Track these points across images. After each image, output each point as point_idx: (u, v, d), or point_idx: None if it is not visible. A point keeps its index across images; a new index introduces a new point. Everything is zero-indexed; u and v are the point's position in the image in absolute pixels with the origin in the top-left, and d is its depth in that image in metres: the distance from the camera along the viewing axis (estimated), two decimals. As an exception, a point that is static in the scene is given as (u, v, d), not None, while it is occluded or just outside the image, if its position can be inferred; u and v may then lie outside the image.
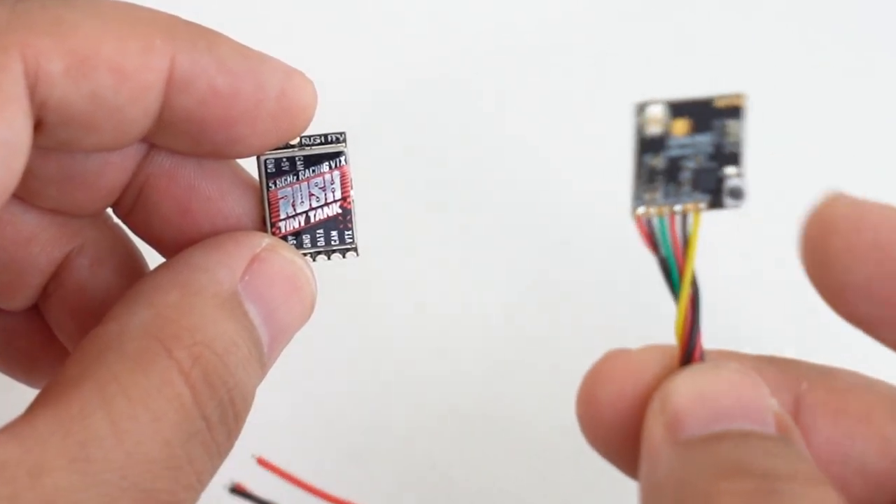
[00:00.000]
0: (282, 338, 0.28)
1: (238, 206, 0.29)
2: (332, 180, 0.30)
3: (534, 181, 0.50)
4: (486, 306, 0.47)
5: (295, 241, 0.30)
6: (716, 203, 0.27)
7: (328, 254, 0.31)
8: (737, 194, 0.27)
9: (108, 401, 0.24)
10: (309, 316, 0.29)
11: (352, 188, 0.30)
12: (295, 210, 0.30)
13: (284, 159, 0.30)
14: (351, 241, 0.31)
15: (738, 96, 0.26)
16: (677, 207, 0.27)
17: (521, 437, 0.44)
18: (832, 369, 0.29)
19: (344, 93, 0.50)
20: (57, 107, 0.25)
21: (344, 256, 0.31)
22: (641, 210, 0.27)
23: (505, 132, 0.51)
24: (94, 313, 0.30)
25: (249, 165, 0.30)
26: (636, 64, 0.53)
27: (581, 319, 0.46)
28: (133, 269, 0.31)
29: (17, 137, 0.24)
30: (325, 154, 0.30)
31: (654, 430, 0.26)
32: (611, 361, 0.28)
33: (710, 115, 0.26)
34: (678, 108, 0.26)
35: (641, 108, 0.26)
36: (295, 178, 0.30)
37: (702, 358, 0.27)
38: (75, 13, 0.25)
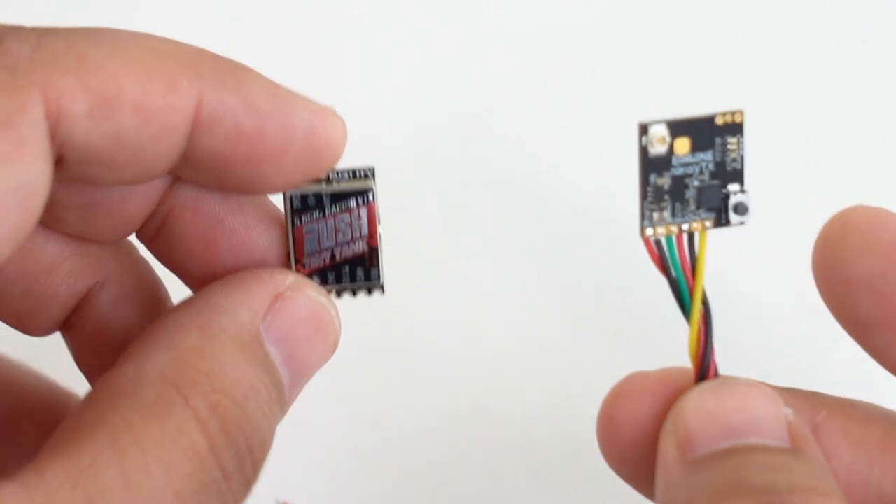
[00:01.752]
0: (303, 377, 0.28)
1: (263, 240, 0.29)
2: (360, 216, 0.30)
3: (549, 197, 0.50)
4: (502, 316, 0.48)
5: (320, 279, 0.29)
6: (721, 221, 0.27)
7: (354, 291, 0.30)
8: (740, 210, 0.27)
9: (121, 452, 0.23)
10: (331, 355, 0.28)
11: (379, 224, 0.30)
12: (320, 246, 0.30)
13: (311, 195, 0.29)
14: (378, 278, 0.30)
15: (736, 112, 0.27)
16: (684, 227, 0.27)
17: (531, 441, 0.44)
18: (850, 400, 0.29)
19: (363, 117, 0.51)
20: (78, 146, 0.24)
21: (370, 294, 0.30)
22: (650, 231, 0.27)
23: (524, 152, 0.52)
24: (114, 348, 0.29)
25: (277, 198, 0.30)
26: (650, 84, 0.54)
27: (596, 328, 0.46)
28: (156, 307, 0.31)
29: (34, 182, 0.23)
30: (352, 191, 0.29)
31: (667, 451, 0.27)
32: (630, 382, 0.28)
33: (712, 133, 0.27)
34: (680, 127, 0.27)
35: (644, 129, 0.26)
36: (321, 214, 0.29)
37: (716, 376, 0.28)
38: (100, 50, 0.24)
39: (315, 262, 0.30)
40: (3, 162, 0.22)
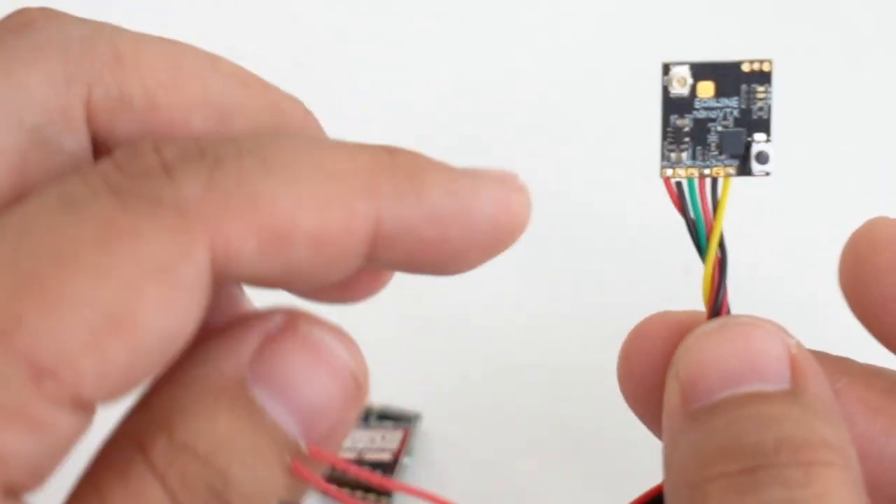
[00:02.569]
0: (320, 418, 0.25)
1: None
2: (394, 435, 0.32)
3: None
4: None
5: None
6: (744, 169, 0.28)
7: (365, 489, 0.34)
8: (762, 159, 0.28)
9: None
10: (353, 392, 0.25)
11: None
12: (352, 443, 0.32)
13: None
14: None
15: (765, 62, 0.27)
16: (706, 171, 0.28)
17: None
18: (876, 369, 0.28)
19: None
20: (245, 277, 0.23)
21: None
22: (669, 171, 0.28)
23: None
24: None
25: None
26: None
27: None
28: None
29: (181, 329, 0.22)
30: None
31: (670, 399, 0.26)
32: (650, 322, 0.28)
33: (737, 80, 0.27)
34: (703, 70, 0.27)
35: (667, 68, 0.27)
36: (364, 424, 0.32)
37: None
38: (272, 182, 0.22)
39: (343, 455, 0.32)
40: (155, 309, 0.21)
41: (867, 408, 0.27)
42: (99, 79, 0.25)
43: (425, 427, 0.51)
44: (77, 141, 0.25)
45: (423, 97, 0.57)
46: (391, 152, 0.24)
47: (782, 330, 0.27)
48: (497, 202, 0.25)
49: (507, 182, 0.25)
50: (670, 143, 0.28)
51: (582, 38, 0.59)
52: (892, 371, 0.28)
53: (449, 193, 0.24)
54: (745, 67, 0.27)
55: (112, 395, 0.22)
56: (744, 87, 0.27)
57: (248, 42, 0.55)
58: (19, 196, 0.23)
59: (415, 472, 0.50)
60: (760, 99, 0.28)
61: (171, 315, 0.22)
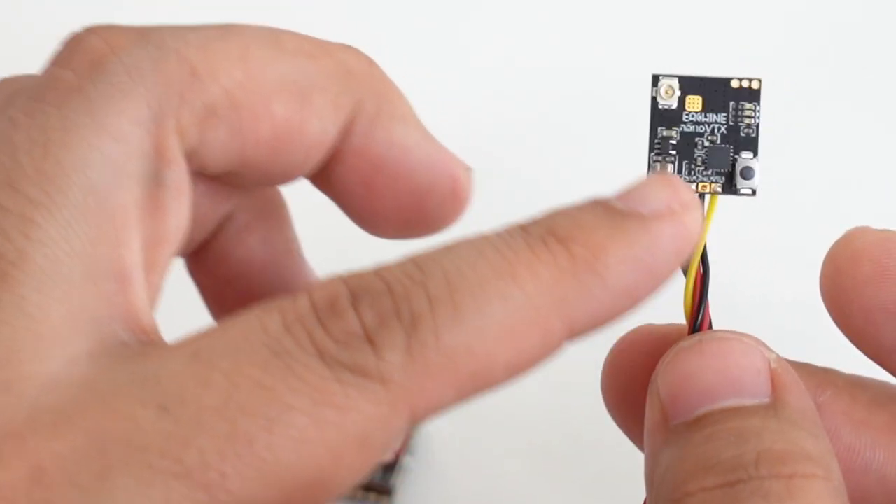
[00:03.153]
0: None
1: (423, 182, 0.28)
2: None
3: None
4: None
5: None
6: (729, 187, 0.28)
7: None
8: (746, 174, 0.28)
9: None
10: None
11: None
12: None
13: None
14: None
15: (754, 80, 0.27)
16: (692, 186, 0.28)
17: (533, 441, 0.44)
18: (861, 380, 0.28)
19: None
20: (440, 413, 0.24)
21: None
22: None
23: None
24: (238, 280, 0.30)
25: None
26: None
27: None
28: (284, 244, 0.31)
29: (361, 478, 0.23)
30: None
31: (651, 414, 0.26)
32: (633, 334, 0.28)
33: (726, 96, 0.27)
34: (692, 84, 0.27)
35: (656, 80, 0.27)
36: None
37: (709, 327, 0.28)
38: (468, 335, 0.23)
39: None
40: (349, 474, 0.22)
41: (852, 420, 0.27)
42: (182, 102, 0.25)
43: (425, 427, 0.52)
44: (177, 173, 0.25)
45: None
46: (564, 242, 0.24)
47: (762, 344, 0.26)
48: (676, 242, 0.25)
49: (676, 201, 0.25)
50: (657, 154, 0.28)
51: (578, 50, 0.59)
52: (877, 381, 0.28)
53: (633, 264, 0.24)
54: (734, 84, 0.27)
55: None
56: (732, 103, 0.28)
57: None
58: (145, 246, 0.24)
59: (415, 472, 0.50)
60: (748, 117, 0.28)
61: (361, 474, 0.23)
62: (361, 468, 0.22)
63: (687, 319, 0.28)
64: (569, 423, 0.40)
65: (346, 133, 0.27)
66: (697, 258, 0.27)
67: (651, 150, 0.28)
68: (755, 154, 0.28)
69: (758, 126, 0.28)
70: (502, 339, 0.23)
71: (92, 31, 0.25)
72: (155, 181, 0.24)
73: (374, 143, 0.27)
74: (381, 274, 0.23)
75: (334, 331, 0.22)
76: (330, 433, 0.22)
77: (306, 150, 0.27)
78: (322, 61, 0.27)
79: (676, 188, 0.25)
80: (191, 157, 0.25)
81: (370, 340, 0.22)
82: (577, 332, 0.24)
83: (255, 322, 0.22)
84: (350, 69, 0.27)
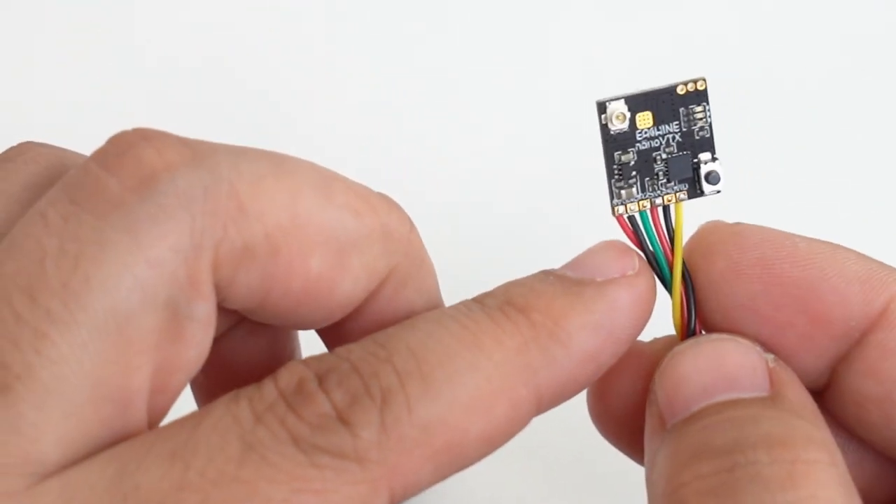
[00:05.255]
0: None
1: None
2: None
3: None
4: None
5: None
6: (694, 191, 0.27)
7: None
8: (712, 179, 0.27)
9: None
10: None
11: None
12: None
13: None
14: None
15: (699, 80, 0.26)
16: (657, 201, 0.27)
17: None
18: None
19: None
20: (420, 490, 0.24)
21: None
22: (621, 209, 0.27)
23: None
24: (230, 377, 0.29)
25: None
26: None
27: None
28: (289, 344, 0.31)
29: None
30: None
31: (651, 422, 0.26)
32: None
33: (674, 104, 0.26)
34: (639, 101, 0.26)
35: (603, 107, 0.26)
36: None
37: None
38: (440, 406, 0.23)
39: None
40: None
41: None
42: (224, 236, 0.23)
43: None
44: (206, 306, 0.24)
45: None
46: (525, 312, 0.24)
47: (758, 345, 0.26)
48: (633, 306, 0.25)
49: (627, 266, 0.25)
50: (618, 180, 0.27)
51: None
52: None
53: (593, 330, 0.25)
54: (680, 90, 0.26)
55: None
56: (682, 110, 0.27)
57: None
58: (158, 373, 0.23)
59: None
60: (700, 119, 0.27)
61: None
62: None
63: (678, 332, 0.27)
64: (568, 424, 0.39)
65: (372, 294, 0.26)
66: (678, 271, 0.27)
67: (610, 176, 0.27)
68: (713, 154, 0.27)
69: (710, 125, 0.27)
70: (474, 408, 0.23)
71: (146, 139, 0.23)
72: (183, 312, 0.23)
73: (393, 311, 0.26)
74: (343, 355, 0.23)
75: (306, 414, 0.22)
76: None
77: (331, 308, 0.25)
78: (366, 220, 0.25)
79: (625, 253, 0.26)
80: (217, 289, 0.24)
81: (343, 420, 0.22)
82: (544, 400, 0.24)
83: (226, 414, 0.22)
84: (391, 232, 0.26)
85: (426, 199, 0.57)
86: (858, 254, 0.26)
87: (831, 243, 0.26)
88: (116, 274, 0.22)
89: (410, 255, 0.27)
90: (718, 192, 0.27)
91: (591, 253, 0.26)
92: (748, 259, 0.26)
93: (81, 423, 0.22)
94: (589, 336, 0.24)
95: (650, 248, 0.27)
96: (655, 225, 0.27)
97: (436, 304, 0.27)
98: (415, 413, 0.23)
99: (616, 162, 0.26)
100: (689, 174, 0.27)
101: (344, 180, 0.26)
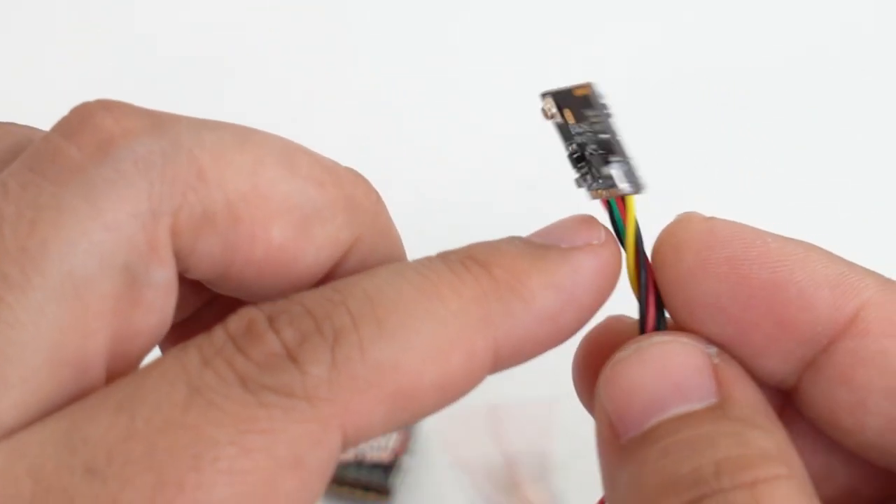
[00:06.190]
0: None
1: None
2: (394, 435, 0.38)
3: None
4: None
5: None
6: (614, 188, 0.26)
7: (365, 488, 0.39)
8: (618, 179, 0.26)
9: None
10: None
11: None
12: None
13: None
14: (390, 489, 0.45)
15: (585, 85, 0.25)
16: (603, 192, 0.26)
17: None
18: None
19: None
20: (373, 436, 0.23)
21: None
22: (591, 194, 0.27)
23: None
24: None
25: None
26: None
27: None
28: None
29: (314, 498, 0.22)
30: None
31: (600, 429, 0.25)
32: (602, 327, 0.28)
33: (580, 105, 0.26)
34: (560, 98, 0.26)
35: (542, 98, 0.26)
36: None
37: (657, 328, 0.26)
38: (394, 348, 0.22)
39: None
40: (288, 501, 0.22)
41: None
42: (184, 202, 0.24)
43: (425, 427, 0.51)
44: (165, 272, 0.24)
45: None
46: (487, 267, 0.24)
47: (701, 340, 0.26)
48: (595, 273, 0.25)
49: (593, 236, 0.25)
50: (577, 169, 0.27)
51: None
52: None
53: (554, 290, 0.24)
54: (577, 92, 0.26)
55: None
56: (585, 111, 0.26)
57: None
58: (115, 338, 0.23)
59: (415, 472, 0.49)
60: (596, 122, 0.26)
61: (303, 500, 0.22)
62: (302, 494, 0.22)
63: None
64: (567, 424, 0.40)
65: (337, 265, 0.26)
66: (632, 263, 0.27)
67: (572, 166, 0.27)
68: (618, 155, 0.26)
69: (611, 128, 0.26)
70: (428, 354, 0.23)
71: (105, 108, 0.24)
72: (142, 277, 0.23)
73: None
74: (297, 299, 0.23)
75: (254, 354, 0.22)
76: (260, 460, 0.21)
77: (295, 278, 0.25)
78: (330, 191, 0.26)
79: (591, 225, 0.26)
80: (178, 258, 0.24)
81: (292, 358, 0.22)
82: (501, 355, 0.24)
83: (174, 362, 0.22)
84: (357, 203, 0.26)
85: (425, 195, 0.58)
86: (832, 256, 0.25)
87: (806, 244, 0.25)
88: (73, 238, 0.22)
89: (376, 227, 0.27)
90: (635, 192, 0.26)
91: (558, 223, 0.26)
92: (716, 257, 0.25)
93: (38, 387, 0.22)
94: (550, 295, 0.24)
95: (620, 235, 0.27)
96: (621, 214, 0.27)
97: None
98: (367, 354, 0.22)
99: (568, 151, 0.27)
100: (607, 171, 0.26)
101: (310, 153, 0.26)
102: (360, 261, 0.26)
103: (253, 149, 0.25)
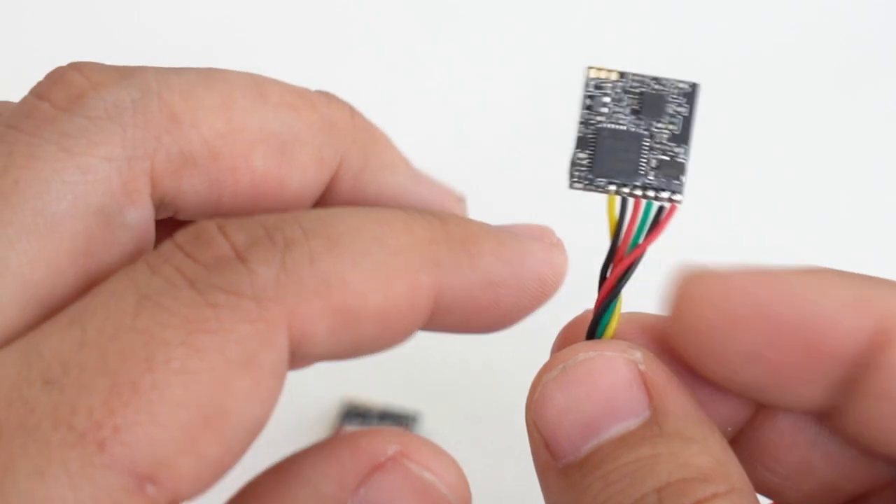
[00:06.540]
0: None
1: None
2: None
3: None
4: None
5: None
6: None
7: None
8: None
9: None
10: None
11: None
12: None
13: None
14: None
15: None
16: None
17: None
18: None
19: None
20: (316, 356, 0.23)
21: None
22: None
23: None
24: None
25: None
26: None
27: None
28: None
29: (265, 414, 0.22)
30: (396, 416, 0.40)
31: (537, 451, 0.25)
32: (584, 318, 0.27)
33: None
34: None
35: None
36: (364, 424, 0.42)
37: (592, 335, 0.26)
38: (342, 263, 0.23)
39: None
40: (244, 401, 0.22)
41: None
42: (159, 146, 0.24)
43: (425, 427, 0.52)
44: (141, 214, 0.24)
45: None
46: (443, 221, 0.25)
47: (625, 347, 0.25)
48: (543, 262, 0.26)
49: (547, 239, 0.26)
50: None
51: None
52: None
53: (501, 259, 0.25)
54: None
55: (203, 489, 0.22)
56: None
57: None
58: (86, 277, 0.24)
59: None
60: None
61: (257, 403, 0.22)
62: (256, 392, 0.22)
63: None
64: None
65: (331, 187, 0.27)
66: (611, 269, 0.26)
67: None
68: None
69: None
70: (375, 277, 0.23)
71: (74, 67, 0.25)
72: (116, 219, 0.24)
73: (363, 194, 0.27)
74: (252, 217, 0.23)
75: (202, 258, 0.22)
76: (211, 360, 0.21)
77: (286, 204, 0.26)
78: (305, 114, 0.26)
79: (549, 231, 0.26)
80: (164, 202, 0.25)
81: (241, 258, 0.22)
82: (441, 302, 0.24)
83: (122, 277, 0.22)
84: (334, 122, 0.27)
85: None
86: (841, 274, 0.25)
87: (812, 269, 0.25)
88: (45, 178, 0.23)
89: (359, 139, 0.27)
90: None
91: (518, 224, 0.26)
92: (741, 309, 0.25)
93: (4, 319, 0.22)
94: (496, 262, 0.25)
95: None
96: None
97: (406, 174, 0.28)
98: (316, 264, 0.23)
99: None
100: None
101: (278, 82, 0.26)
102: (354, 176, 0.27)
103: (221, 86, 0.25)
